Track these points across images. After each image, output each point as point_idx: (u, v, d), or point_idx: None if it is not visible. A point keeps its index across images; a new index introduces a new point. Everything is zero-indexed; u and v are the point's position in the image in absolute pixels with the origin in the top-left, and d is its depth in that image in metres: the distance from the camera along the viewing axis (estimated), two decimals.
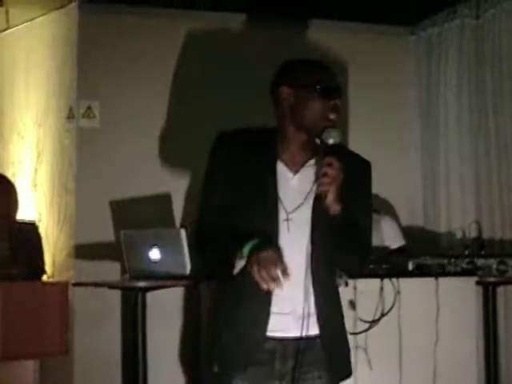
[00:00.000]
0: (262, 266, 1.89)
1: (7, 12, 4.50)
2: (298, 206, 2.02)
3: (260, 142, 2.07)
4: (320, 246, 2.01)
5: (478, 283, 3.79)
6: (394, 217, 4.49)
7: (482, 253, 3.89)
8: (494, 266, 3.70)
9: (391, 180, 4.65)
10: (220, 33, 4.38)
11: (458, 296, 3.74)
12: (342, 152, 2.01)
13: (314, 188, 1.99)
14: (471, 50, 4.46)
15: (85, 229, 4.09)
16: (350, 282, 3.47)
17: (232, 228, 2.01)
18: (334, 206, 1.94)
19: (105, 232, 4.06)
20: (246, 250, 1.95)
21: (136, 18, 4.28)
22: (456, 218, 4.47)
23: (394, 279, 3.58)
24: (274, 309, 2.01)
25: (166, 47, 4.31)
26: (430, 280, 3.66)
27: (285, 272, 1.92)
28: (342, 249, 2.02)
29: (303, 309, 1.98)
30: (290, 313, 2.01)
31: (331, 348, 2.05)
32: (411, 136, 4.79)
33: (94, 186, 4.12)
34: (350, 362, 2.14)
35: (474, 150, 4.45)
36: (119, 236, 3.64)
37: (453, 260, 3.76)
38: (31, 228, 3.91)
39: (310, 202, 2.02)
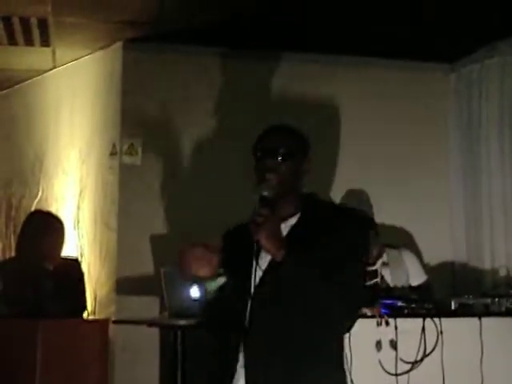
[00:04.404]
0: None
1: (54, 52, 4.60)
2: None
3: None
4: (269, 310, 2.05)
5: None
6: (414, 250, 4.35)
7: None
8: None
9: (433, 219, 4.59)
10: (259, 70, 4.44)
11: (503, 337, 3.64)
12: (334, 210, 2.18)
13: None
14: None
15: (126, 265, 4.12)
16: (391, 321, 3.41)
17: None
18: (272, 251, 2.01)
19: (146, 268, 4.09)
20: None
21: (179, 56, 4.34)
22: (500, 255, 4.38)
23: (436, 319, 3.51)
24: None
25: (210, 86, 4.37)
26: (474, 320, 3.57)
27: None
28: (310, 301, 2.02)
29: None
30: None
31: None
32: (452, 173, 4.74)
33: (135, 222, 4.16)
34: None
35: None
36: (159, 272, 3.66)
37: (497, 300, 3.67)
38: (74, 265, 3.94)
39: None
